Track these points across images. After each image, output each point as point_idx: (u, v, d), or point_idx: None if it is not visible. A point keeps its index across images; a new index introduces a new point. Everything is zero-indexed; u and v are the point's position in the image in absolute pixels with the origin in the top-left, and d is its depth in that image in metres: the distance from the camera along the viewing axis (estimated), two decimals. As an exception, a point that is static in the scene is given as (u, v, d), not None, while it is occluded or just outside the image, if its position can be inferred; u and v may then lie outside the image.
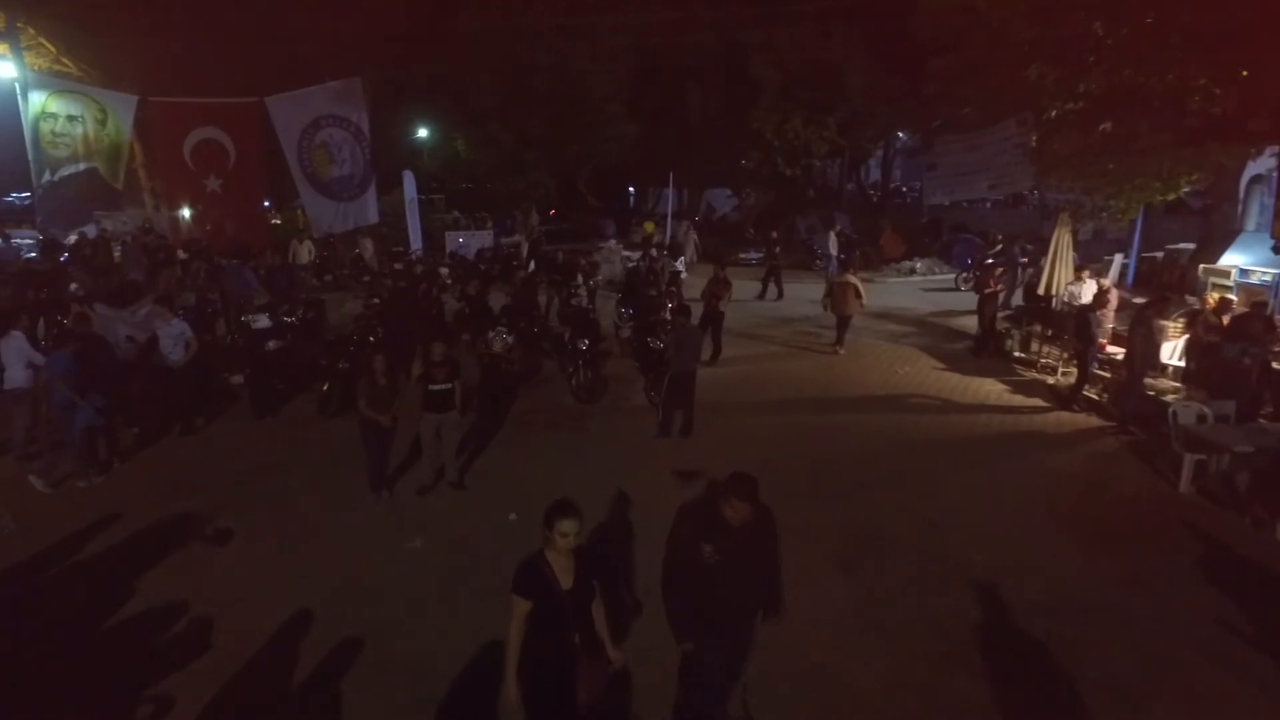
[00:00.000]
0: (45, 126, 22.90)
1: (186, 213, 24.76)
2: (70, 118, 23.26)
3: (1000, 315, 15.55)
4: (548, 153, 26.03)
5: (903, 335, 16.65)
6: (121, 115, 23.65)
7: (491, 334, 11.45)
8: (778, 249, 21.48)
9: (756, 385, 12.82)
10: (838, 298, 14.97)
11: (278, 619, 6.08)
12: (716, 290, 14.21)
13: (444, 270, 20.05)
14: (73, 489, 8.55)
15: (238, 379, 10.46)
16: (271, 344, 11.46)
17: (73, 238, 22.08)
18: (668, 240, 25.34)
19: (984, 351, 14.82)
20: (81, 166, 23.54)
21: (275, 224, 25.35)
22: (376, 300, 14.43)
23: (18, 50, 22.73)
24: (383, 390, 8.12)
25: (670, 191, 26.67)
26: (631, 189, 42.45)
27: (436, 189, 31.80)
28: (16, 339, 9.22)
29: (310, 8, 22.93)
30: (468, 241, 25.06)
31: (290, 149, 23.29)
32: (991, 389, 12.71)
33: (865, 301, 15.32)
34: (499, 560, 6.73)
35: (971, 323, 16.11)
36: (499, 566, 6.76)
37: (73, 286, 14.98)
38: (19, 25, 23.37)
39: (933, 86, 17.77)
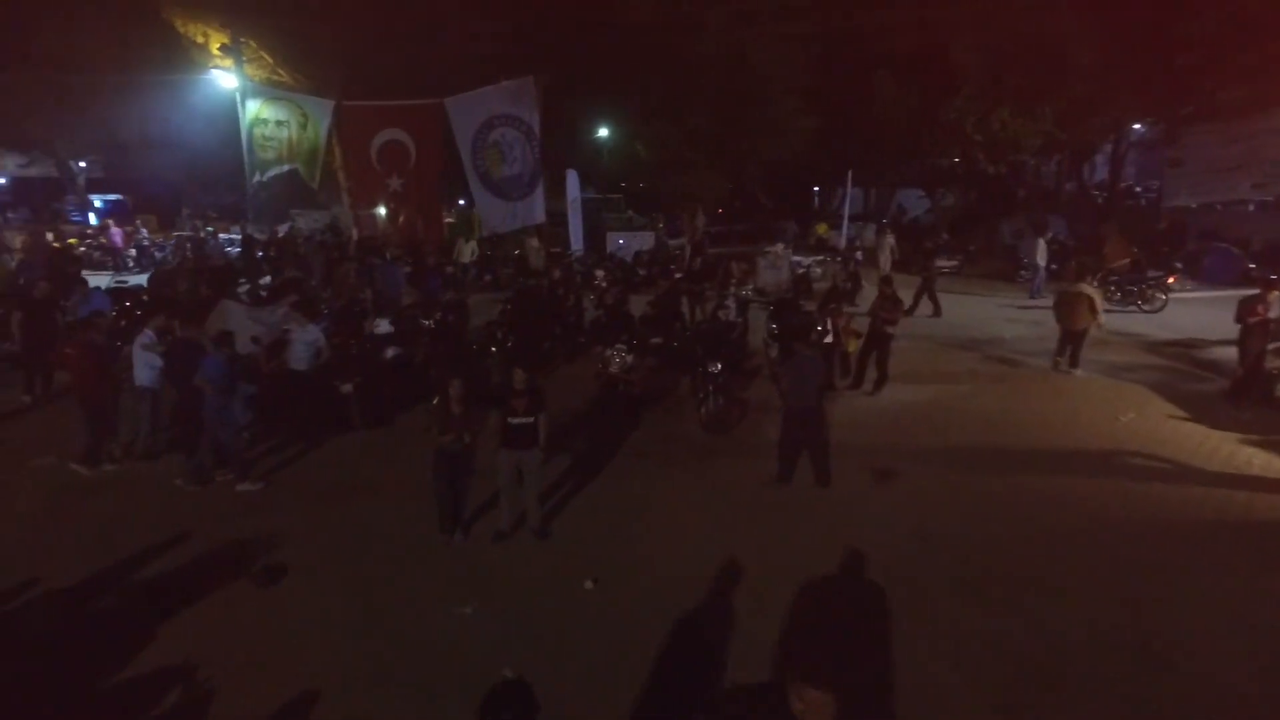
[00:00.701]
0: (258, 131, 24.86)
1: (382, 210, 25.95)
2: (278, 122, 25.10)
3: (1271, 349, 12.00)
4: (716, 150, 24.57)
5: (1127, 369, 13.42)
6: (320, 119, 25.18)
7: (609, 351, 10.25)
8: (934, 261, 18.51)
9: (924, 425, 10.62)
10: (1068, 309, 12.69)
11: (280, 697, 5.21)
12: (886, 311, 12.10)
13: (599, 274, 19.28)
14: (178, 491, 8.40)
15: (347, 387, 10.04)
16: (390, 351, 11.01)
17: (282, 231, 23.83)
18: (841, 241, 23.02)
19: (1245, 399, 11.39)
20: (285, 168, 25.39)
21: (447, 222, 25.93)
22: (509, 305, 13.78)
23: (240, 63, 24.79)
24: (456, 420, 7.14)
25: (849, 190, 24.28)
26: (816, 189, 39.90)
27: (608, 188, 31.48)
28: (147, 338, 9.30)
29: (483, 7, 23.11)
30: (627, 243, 24.22)
31: (465, 148, 23.63)
32: (1253, 454, 9.59)
33: (1102, 320, 12.75)
34: (557, 642, 5.51)
35: (1228, 356, 12.65)
36: (552, 652, 5.51)
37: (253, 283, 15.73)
38: (242, 40, 25.58)
39: (1187, 57, 14.22)
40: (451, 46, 23.86)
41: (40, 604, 6.30)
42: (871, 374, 12.07)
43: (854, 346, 12.08)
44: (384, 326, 11.50)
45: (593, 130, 29.26)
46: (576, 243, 22.95)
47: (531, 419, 7.19)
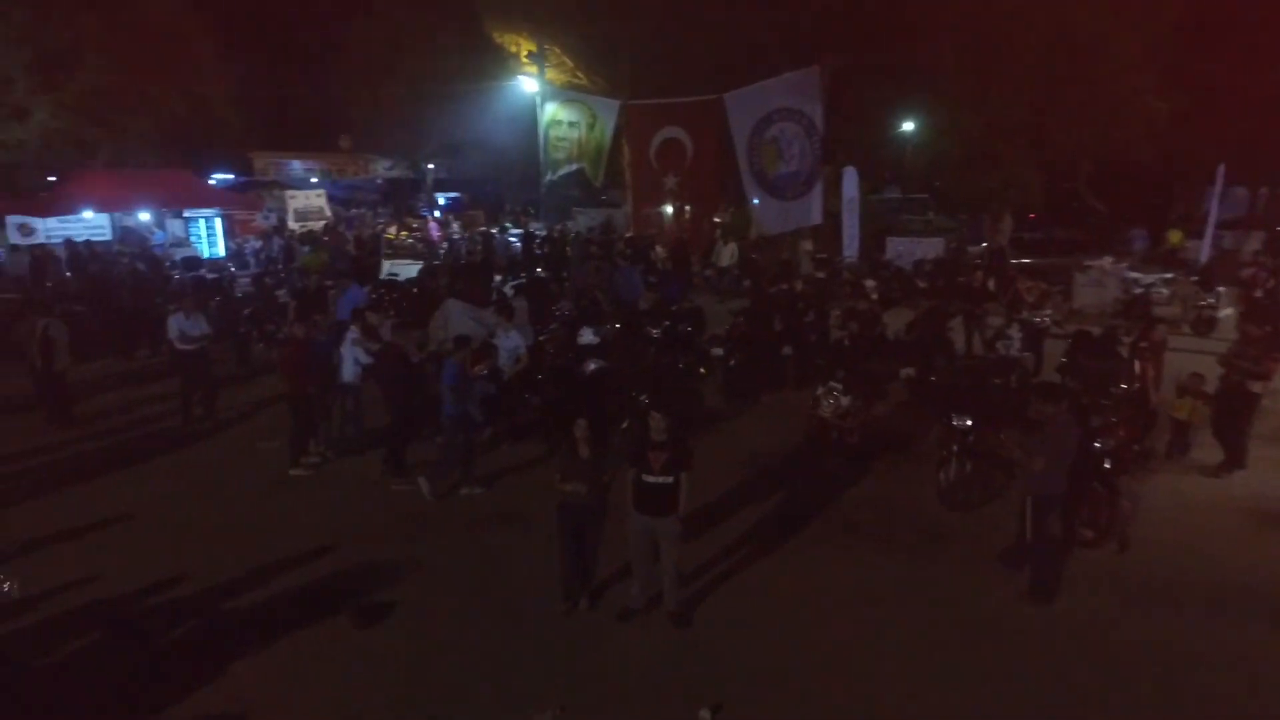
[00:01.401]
0: (553, 133, 26.13)
1: (668, 209, 25.82)
2: (570, 123, 26.12)
3: None
4: (1030, 141, 20.31)
5: None
6: (606, 119, 25.68)
7: (820, 389, 8.29)
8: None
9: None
10: None
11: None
12: (1256, 362, 8.49)
13: (870, 284, 16.88)
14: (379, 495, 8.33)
15: (536, 399, 9.36)
16: (592, 365, 10.14)
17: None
18: (1203, 254, 17.73)
19: None
20: (574, 166, 26.40)
21: (717, 222, 24.98)
22: (741, 319, 12.25)
23: (543, 68, 26.17)
24: (584, 465, 5.90)
25: (1218, 188, 18.55)
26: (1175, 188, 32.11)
27: (913, 187, 28.25)
28: (354, 334, 9.45)
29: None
30: (908, 249, 21.17)
31: (741, 145, 22.40)
32: None
33: None
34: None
35: None
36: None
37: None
38: (547, 47, 27.00)
39: None
40: (737, 36, 22.73)
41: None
42: (1209, 448, 8.55)
43: (1187, 411, 8.60)
44: (588, 336, 10.70)
45: (890, 122, 26.29)
46: (850, 248, 20.58)
47: (670, 479, 5.69)
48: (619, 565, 6.35)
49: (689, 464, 5.77)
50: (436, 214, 37.68)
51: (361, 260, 18.31)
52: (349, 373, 9.34)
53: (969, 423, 7.65)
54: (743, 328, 12.15)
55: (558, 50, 27.88)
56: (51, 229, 21.78)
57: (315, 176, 44.03)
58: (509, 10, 27.01)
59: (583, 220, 25.02)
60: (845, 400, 8.29)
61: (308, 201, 31.50)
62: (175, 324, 10.29)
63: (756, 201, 22.07)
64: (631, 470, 5.76)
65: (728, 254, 20.63)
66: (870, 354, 10.78)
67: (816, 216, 22.02)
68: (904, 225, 25.72)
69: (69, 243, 20.33)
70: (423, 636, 5.88)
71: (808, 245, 22.23)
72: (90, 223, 22.50)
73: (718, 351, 11.61)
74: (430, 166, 43.01)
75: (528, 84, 26.43)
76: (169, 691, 5.21)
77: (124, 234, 23.41)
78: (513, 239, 24.53)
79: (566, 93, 26.73)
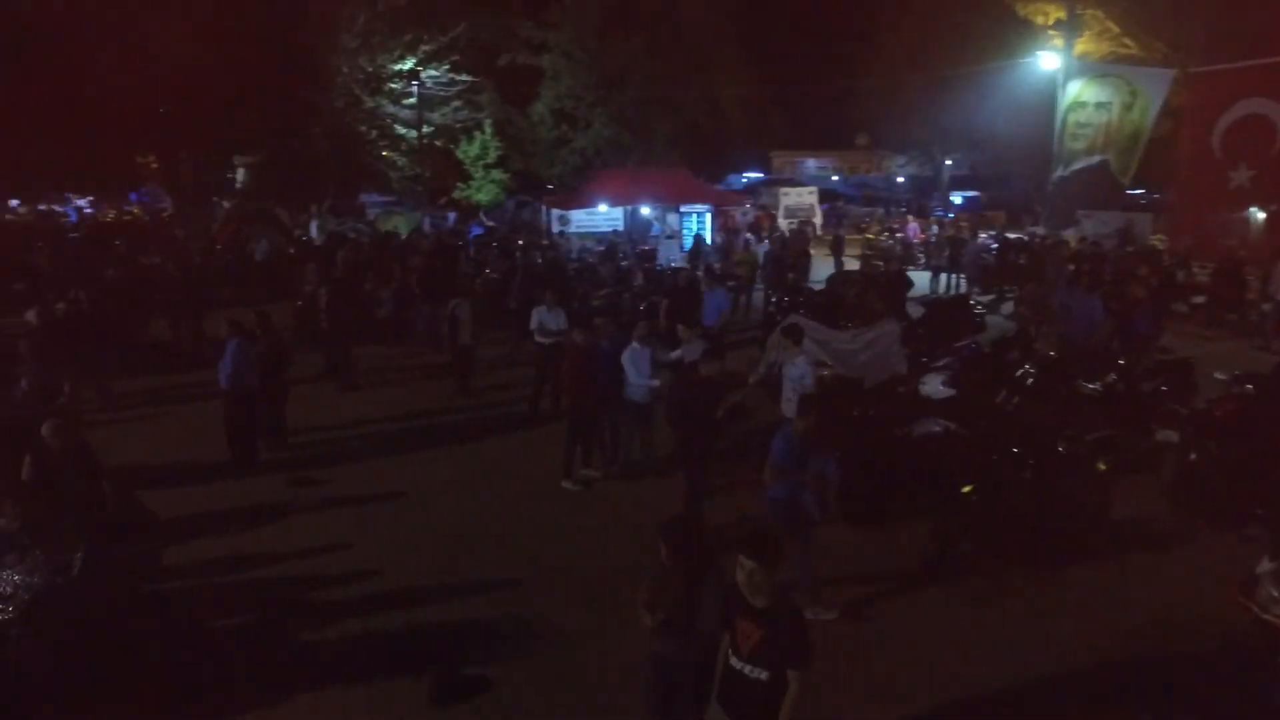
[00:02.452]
0: (1072, 118, 21.26)
1: (1259, 215, 18.78)
2: (1098, 105, 20.88)
3: None
4: None
5: None
6: (1152, 95, 19.78)
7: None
8: None
9: None
10: None
11: None
12: None
13: None
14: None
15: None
16: (931, 427, 7.33)
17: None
18: None
19: None
20: (1095, 159, 21.04)
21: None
22: (1243, 385, 7.63)
23: (1072, 39, 21.39)
24: (682, 598, 3.89)
25: None
26: None
27: None
28: (636, 349, 8.44)
29: None
30: None
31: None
32: None
33: None
34: None
35: None
36: None
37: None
38: (1081, 10, 21.93)
39: None
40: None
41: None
42: None
43: None
44: (934, 386, 7.77)
45: None
46: None
47: (765, 674, 3.34)
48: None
49: (802, 658, 3.32)
50: (948, 215, 34.51)
51: (782, 260, 17.28)
52: (634, 390, 8.36)
53: None
54: (1235, 404, 7.59)
55: (1099, 13, 22.38)
56: (580, 221, 26.02)
57: (834, 175, 44.59)
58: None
59: (1089, 226, 19.65)
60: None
61: (799, 199, 31.80)
62: (537, 316, 10.71)
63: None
64: (725, 636, 3.58)
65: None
66: None
67: None
68: None
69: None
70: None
71: None
72: (607, 215, 26.21)
73: (1168, 436, 7.44)
74: (948, 163, 39.68)
75: (1047, 61, 21.77)
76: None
77: (632, 225, 26.70)
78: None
79: (1100, 66, 21.33)
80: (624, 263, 18.19)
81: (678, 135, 31.27)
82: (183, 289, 13.90)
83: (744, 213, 28.43)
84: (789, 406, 7.65)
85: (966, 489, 6.22)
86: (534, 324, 10.67)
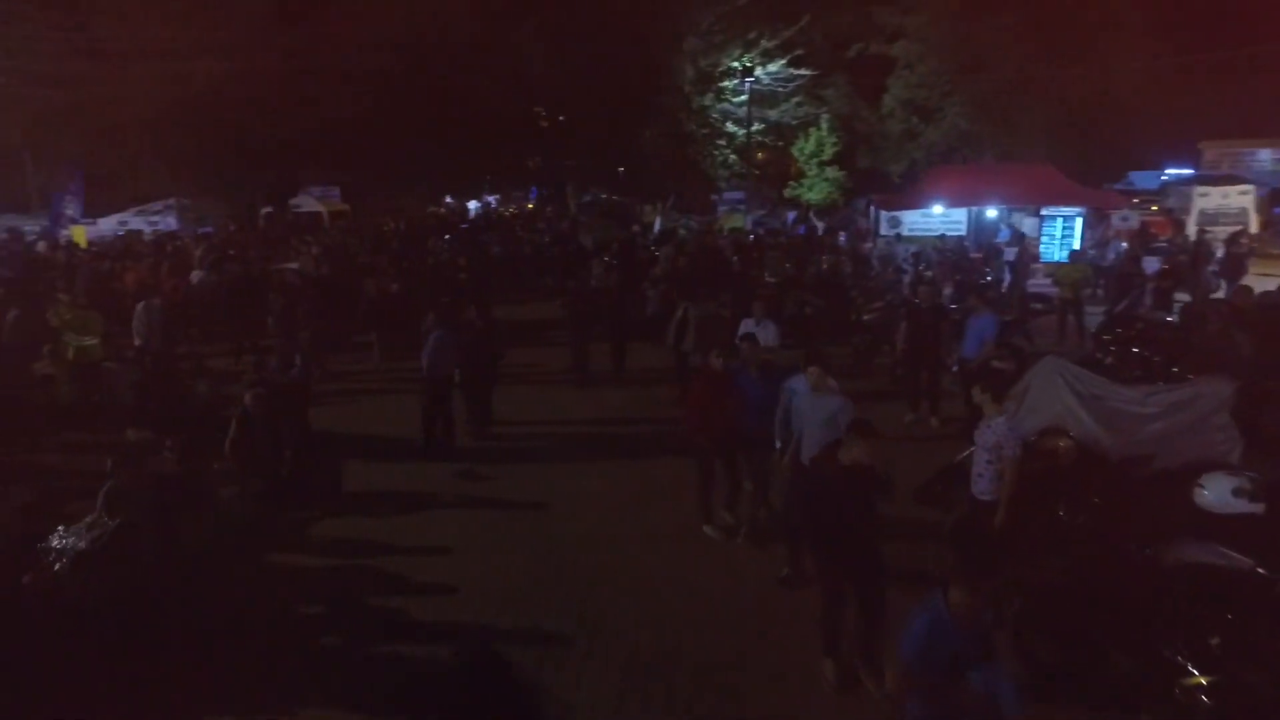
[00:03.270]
0: None
1: None
2: None
3: None
4: None
5: None
6: None
7: None
8: None
9: None
10: None
11: None
12: None
13: None
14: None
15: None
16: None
17: None
18: None
19: None
20: None
21: None
22: None
23: None
24: None
25: None
26: None
27: None
28: (798, 382, 6.77)
29: None
30: None
31: None
32: None
33: None
34: None
35: None
36: None
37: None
38: None
39: None
40: None
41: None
42: None
43: None
44: (1221, 492, 4.85)
45: None
46: None
47: None
48: None
49: None
50: None
51: (1128, 277, 13.22)
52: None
53: None
54: None
55: None
56: (914, 223, 23.38)
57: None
58: None
59: None
60: None
61: (1223, 201, 24.47)
62: (745, 328, 9.58)
63: None
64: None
65: None
66: None
67: None
68: None
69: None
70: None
71: None
72: (945, 217, 23.12)
73: None
74: None
75: None
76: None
77: (977, 229, 23.23)
78: None
79: None
80: (925, 270, 15.72)
81: (1053, 124, 26.39)
82: (481, 278, 15.45)
83: (1124, 217, 22.82)
84: (980, 486, 5.58)
85: (1195, 680, 3.74)
86: (740, 335, 9.56)
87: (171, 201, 23.82)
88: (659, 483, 8.30)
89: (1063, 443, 5.95)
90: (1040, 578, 5.15)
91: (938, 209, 22.82)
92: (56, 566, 4.79)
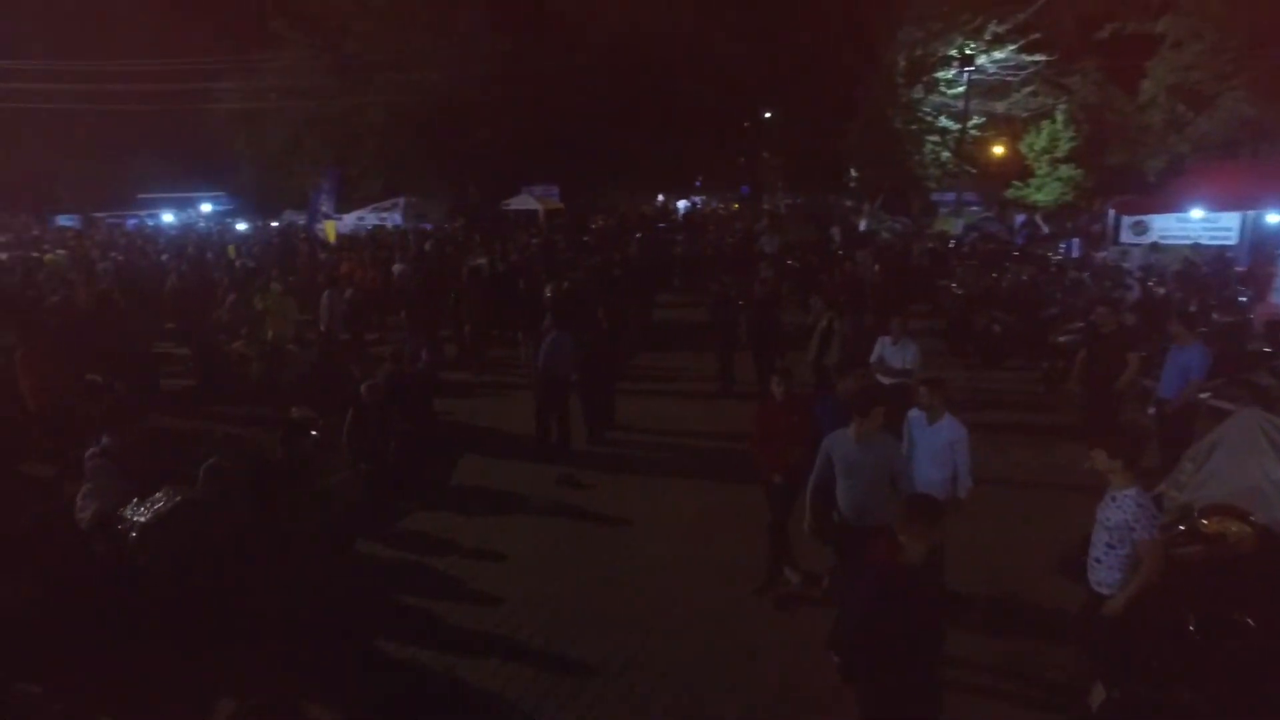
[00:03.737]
0: None
1: None
2: None
3: None
4: None
5: None
6: None
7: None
8: None
9: None
10: None
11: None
12: None
13: None
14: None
15: None
16: None
17: None
18: None
19: None
20: None
21: None
22: None
23: None
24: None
25: None
26: None
27: None
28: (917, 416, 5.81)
29: None
30: None
31: None
32: None
33: None
34: None
35: None
36: None
37: None
38: None
39: None
40: None
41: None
42: None
43: None
44: None
45: None
46: None
47: None
48: None
49: None
50: None
51: None
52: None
53: None
54: None
55: None
56: (1168, 230, 19.83)
57: None
58: None
59: None
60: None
61: None
62: (879, 348, 8.51)
63: None
64: None
65: None
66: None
67: None
68: None
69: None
70: None
71: None
72: (1208, 222, 19.32)
73: None
74: None
75: None
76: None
77: (1253, 237, 19.18)
78: None
79: None
80: (1156, 286, 13.13)
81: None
82: (638, 278, 15.34)
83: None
84: (1097, 575, 4.37)
85: None
86: (874, 356, 8.51)
87: (400, 199, 26.50)
88: (755, 512, 7.57)
89: (1235, 528, 4.49)
90: (1169, 701, 3.90)
91: (1196, 213, 19.12)
92: (130, 535, 5.27)
